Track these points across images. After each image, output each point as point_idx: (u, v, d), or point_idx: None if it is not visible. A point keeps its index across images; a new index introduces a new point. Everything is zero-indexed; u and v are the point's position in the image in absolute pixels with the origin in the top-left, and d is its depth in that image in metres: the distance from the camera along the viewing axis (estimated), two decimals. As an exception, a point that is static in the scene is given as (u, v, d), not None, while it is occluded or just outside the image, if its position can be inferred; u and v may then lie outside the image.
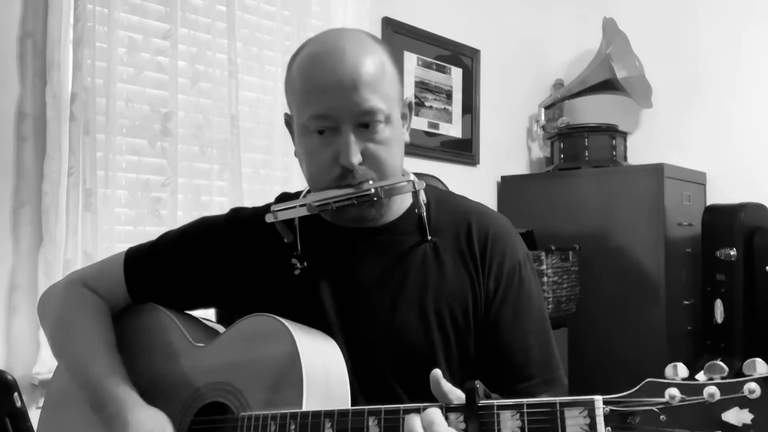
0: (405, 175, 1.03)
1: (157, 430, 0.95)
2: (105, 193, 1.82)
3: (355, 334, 1.01)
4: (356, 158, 0.95)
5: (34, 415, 1.67)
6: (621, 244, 2.86)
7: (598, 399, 0.70)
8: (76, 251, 1.76)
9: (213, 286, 1.10)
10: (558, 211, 3.03)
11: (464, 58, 3.09)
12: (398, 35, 2.77)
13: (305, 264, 1.05)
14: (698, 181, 3.09)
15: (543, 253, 2.68)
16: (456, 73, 3.05)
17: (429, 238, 1.04)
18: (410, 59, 2.83)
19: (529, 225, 2.77)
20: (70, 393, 1.09)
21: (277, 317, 0.97)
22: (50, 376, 1.68)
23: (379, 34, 2.68)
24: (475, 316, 1.03)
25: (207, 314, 1.23)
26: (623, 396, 0.69)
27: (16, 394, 1.26)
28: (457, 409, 0.76)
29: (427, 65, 2.91)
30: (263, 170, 2.21)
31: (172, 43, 1.97)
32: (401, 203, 1.08)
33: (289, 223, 1.05)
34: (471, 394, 0.74)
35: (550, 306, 2.66)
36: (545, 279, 2.66)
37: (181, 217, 1.98)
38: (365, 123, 0.96)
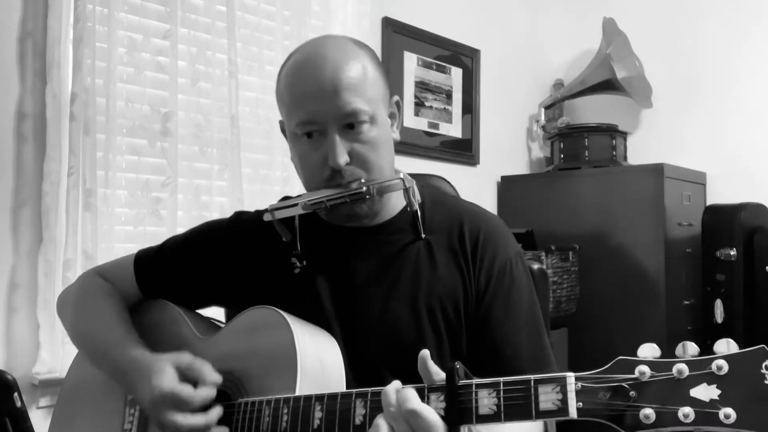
0: (396, 174, 1.06)
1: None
2: (105, 193, 1.82)
3: (351, 328, 1.05)
4: (343, 159, 0.99)
5: (34, 415, 1.68)
6: (621, 244, 2.85)
7: (570, 375, 0.72)
8: (76, 251, 1.75)
9: (217, 287, 1.15)
10: (558, 211, 3.02)
11: (464, 58, 3.09)
12: (398, 35, 2.77)
13: (304, 263, 1.09)
14: (698, 181, 3.09)
15: (543, 253, 2.67)
16: (456, 73, 3.05)
17: (423, 236, 1.07)
18: (410, 59, 2.83)
19: (529, 225, 2.77)
20: (80, 387, 1.16)
21: (276, 309, 1.01)
22: (50, 376, 1.73)
23: (379, 34, 2.68)
24: (465, 312, 1.06)
25: (217, 314, 1.27)
26: (595, 373, 0.72)
27: (16, 394, 1.26)
28: (438, 388, 0.78)
29: (427, 65, 2.91)
30: (263, 170, 2.21)
31: (172, 43, 1.97)
32: (396, 203, 1.11)
33: (288, 224, 1.09)
34: (451, 374, 0.76)
35: (550, 306, 2.65)
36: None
37: (181, 217, 1.98)
38: (350, 125, 1.00)
